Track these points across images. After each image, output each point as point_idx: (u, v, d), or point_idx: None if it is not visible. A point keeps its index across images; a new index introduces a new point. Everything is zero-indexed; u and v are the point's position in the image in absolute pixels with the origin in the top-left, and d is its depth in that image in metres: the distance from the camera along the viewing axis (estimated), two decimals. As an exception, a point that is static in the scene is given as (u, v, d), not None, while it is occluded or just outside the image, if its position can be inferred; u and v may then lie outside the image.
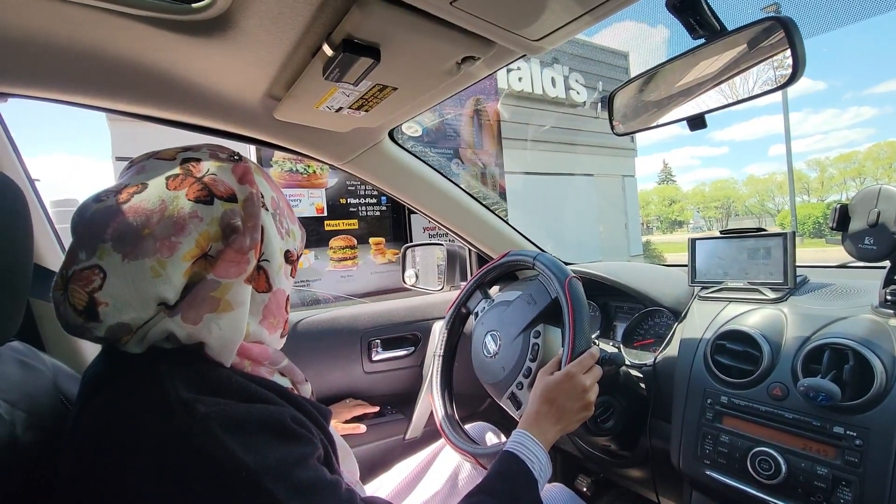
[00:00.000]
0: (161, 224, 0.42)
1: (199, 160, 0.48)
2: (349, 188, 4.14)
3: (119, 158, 4.82)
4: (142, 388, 0.42)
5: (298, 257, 0.57)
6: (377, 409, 1.25)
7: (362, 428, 1.18)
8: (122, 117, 0.80)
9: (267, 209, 0.51)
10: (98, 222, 0.42)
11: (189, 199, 0.44)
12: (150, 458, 0.38)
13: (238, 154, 0.52)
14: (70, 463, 0.43)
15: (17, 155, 0.80)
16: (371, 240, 4.28)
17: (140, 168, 0.47)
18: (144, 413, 0.40)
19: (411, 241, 4.48)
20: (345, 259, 4.15)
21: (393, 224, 4.40)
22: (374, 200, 4.26)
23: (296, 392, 0.54)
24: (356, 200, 4.19)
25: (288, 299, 0.56)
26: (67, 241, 0.88)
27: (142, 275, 0.42)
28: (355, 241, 4.18)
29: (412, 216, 4.42)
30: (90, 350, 0.89)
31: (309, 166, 3.89)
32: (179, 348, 0.45)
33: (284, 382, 0.54)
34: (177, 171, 0.46)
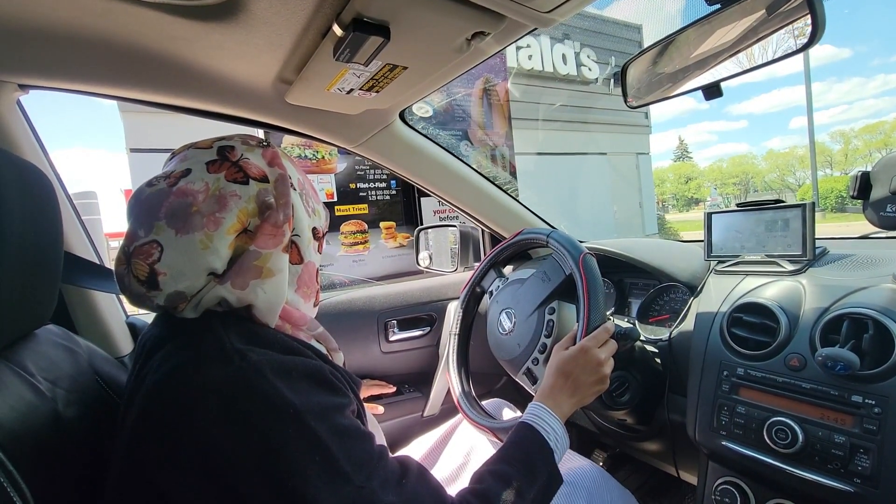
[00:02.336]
0: (206, 202, 0.48)
1: (233, 147, 0.53)
2: (358, 173, 4.11)
3: (133, 150, 4.84)
4: (201, 341, 0.48)
5: (324, 235, 0.63)
6: (394, 389, 1.27)
7: (379, 409, 1.20)
8: (135, 109, 0.82)
9: (295, 189, 0.56)
10: (153, 203, 0.48)
11: (228, 180, 0.50)
12: (214, 397, 0.43)
13: (266, 140, 0.57)
14: (133, 417, 0.46)
15: (41, 147, 0.82)
16: (382, 224, 4.28)
17: (182, 157, 0.53)
18: (205, 359, 0.45)
19: (422, 225, 4.44)
20: (356, 244, 4.16)
21: (403, 208, 4.38)
22: (383, 185, 4.23)
23: (330, 358, 0.59)
24: (366, 185, 4.17)
25: (318, 272, 0.62)
26: (93, 230, 0.91)
27: (193, 247, 0.47)
28: (366, 226, 4.18)
29: (422, 199, 4.38)
30: (120, 335, 0.93)
31: (318, 151, 3.88)
32: (230, 311, 0.50)
33: (320, 348, 0.59)
34: (214, 156, 0.52)
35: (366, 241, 4.20)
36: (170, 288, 0.47)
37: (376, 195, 4.25)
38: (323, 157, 3.92)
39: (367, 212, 4.19)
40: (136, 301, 0.49)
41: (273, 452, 0.42)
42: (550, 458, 0.61)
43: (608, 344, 0.72)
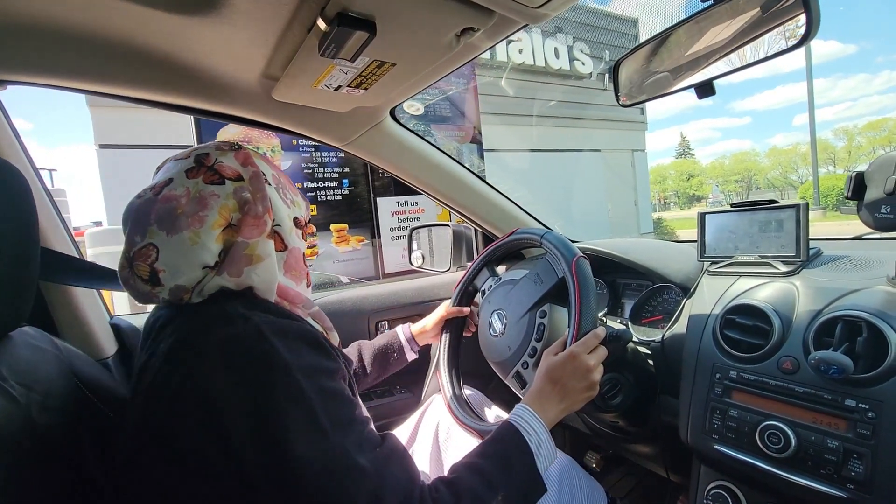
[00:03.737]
0: (189, 204, 0.54)
1: (207, 154, 0.59)
2: (306, 171, 3.79)
3: (102, 146, 4.66)
4: (207, 310, 0.55)
5: (306, 223, 0.70)
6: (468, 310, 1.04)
7: (465, 310, 1.03)
8: (104, 104, 0.80)
9: (270, 184, 0.62)
10: (143, 212, 0.54)
11: (205, 183, 0.56)
12: (216, 352, 0.50)
13: (238, 144, 0.63)
14: (147, 383, 0.52)
15: (19, 142, 0.80)
16: (332, 226, 3.92)
17: (165, 170, 0.59)
18: (211, 323, 0.52)
19: (378, 228, 4.08)
20: (301, 248, 3.91)
21: (357, 209, 4.00)
22: (334, 184, 3.89)
23: (325, 336, 0.62)
24: (314, 184, 3.82)
25: (304, 256, 0.68)
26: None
27: (184, 245, 0.53)
28: (314, 229, 3.78)
29: (379, 199, 4.04)
30: (103, 336, 0.91)
31: (258, 148, 3.68)
32: (232, 291, 0.56)
33: (316, 326, 0.65)
34: (192, 164, 0.58)
35: (313, 246, 3.83)
36: (171, 283, 0.54)
37: (326, 195, 3.85)
38: (264, 154, 3.72)
39: (316, 213, 3.81)
40: (144, 298, 0.56)
41: (260, 398, 0.48)
42: (528, 456, 0.61)
43: (598, 350, 0.71)
